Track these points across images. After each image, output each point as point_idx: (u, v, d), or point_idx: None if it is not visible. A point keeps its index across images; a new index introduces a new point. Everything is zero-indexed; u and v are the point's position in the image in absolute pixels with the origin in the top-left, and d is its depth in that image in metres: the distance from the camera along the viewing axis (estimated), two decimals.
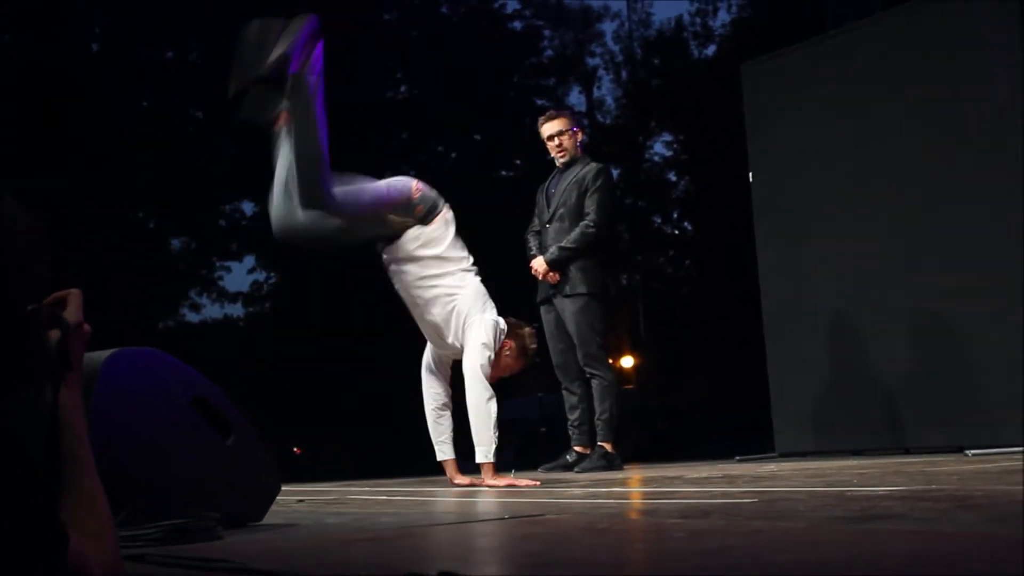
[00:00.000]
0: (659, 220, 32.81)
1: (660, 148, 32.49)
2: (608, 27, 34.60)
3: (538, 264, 7.57)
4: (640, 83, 33.34)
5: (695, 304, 30.11)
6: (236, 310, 30.54)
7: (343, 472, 13.41)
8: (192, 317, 29.52)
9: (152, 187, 25.15)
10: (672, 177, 32.80)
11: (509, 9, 32.62)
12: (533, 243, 7.81)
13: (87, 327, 1.83)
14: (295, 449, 27.65)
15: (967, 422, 7.34)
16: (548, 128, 7.72)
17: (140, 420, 3.16)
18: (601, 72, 34.62)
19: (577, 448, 7.67)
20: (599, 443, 7.55)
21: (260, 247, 29.15)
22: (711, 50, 33.18)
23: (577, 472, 7.31)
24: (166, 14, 25.57)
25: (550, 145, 7.73)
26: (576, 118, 8.15)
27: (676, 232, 33.00)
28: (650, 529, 2.92)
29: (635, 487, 5.34)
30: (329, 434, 28.16)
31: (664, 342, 30.15)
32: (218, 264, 29.08)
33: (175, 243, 28.60)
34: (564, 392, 7.83)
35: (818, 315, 8.42)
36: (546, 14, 33.77)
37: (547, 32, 33.85)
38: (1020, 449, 6.02)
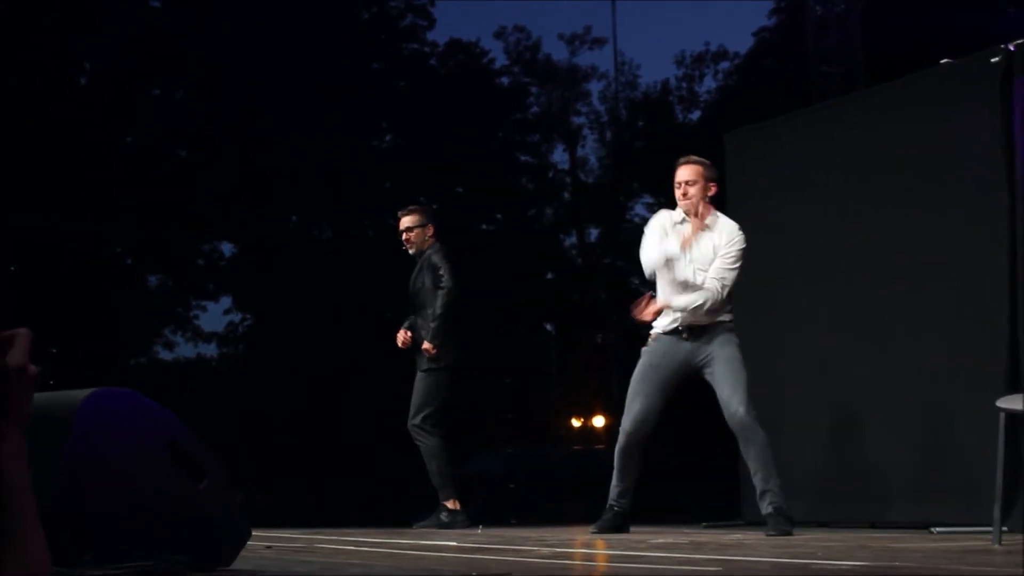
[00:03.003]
0: (637, 281, 32.84)
1: (641, 210, 32.57)
2: (595, 87, 34.84)
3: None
4: (624, 144, 33.52)
5: None
6: (210, 350, 30.50)
7: (310, 519, 13.35)
8: (165, 355, 29.47)
9: (131, 224, 25.10)
10: None
11: (497, 64, 32.88)
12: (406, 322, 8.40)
13: (33, 369, 1.72)
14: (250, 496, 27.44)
15: (935, 498, 7.36)
16: (402, 223, 8.33)
17: (114, 461, 3.18)
18: (586, 131, 34.89)
19: (447, 504, 8.12)
20: (441, 502, 8.09)
21: (237, 288, 29.11)
22: (696, 115, 33.41)
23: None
24: (153, 51, 25.64)
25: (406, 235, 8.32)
26: (429, 212, 8.69)
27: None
28: None
29: (600, 550, 5.36)
30: (298, 480, 28.02)
31: None
32: (194, 303, 29.05)
33: (152, 280, 28.57)
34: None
35: (789, 385, 8.44)
36: (534, 71, 34.02)
37: (534, 89, 34.10)
38: (985, 528, 6.03)
